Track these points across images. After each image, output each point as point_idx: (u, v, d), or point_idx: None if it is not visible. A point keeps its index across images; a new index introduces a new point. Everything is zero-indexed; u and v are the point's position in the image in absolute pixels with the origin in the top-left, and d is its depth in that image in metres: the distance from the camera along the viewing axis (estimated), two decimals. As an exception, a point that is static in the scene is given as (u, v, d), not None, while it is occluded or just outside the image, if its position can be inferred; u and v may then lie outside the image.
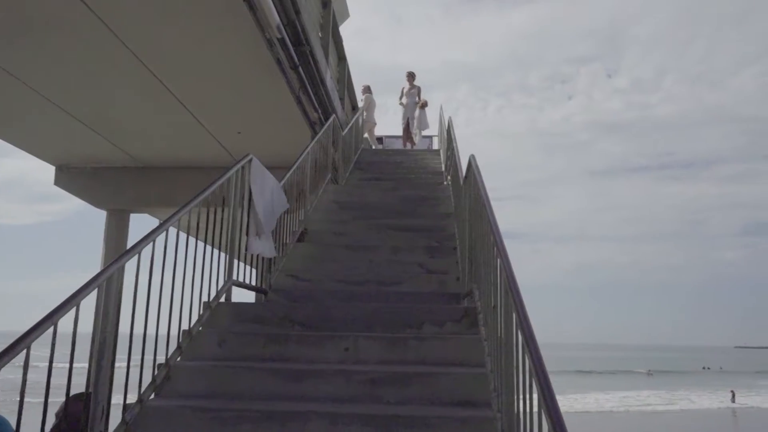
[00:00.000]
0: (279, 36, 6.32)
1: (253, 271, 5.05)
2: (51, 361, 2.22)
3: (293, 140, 9.33)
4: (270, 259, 5.04)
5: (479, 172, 4.02)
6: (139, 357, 2.95)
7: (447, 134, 9.45)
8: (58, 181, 11.17)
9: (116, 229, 11.29)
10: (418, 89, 14.43)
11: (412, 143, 14.11)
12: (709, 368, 69.91)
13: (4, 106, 8.45)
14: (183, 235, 3.65)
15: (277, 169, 8.34)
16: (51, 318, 2.22)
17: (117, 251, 11.23)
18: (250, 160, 4.49)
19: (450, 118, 8.85)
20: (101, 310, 2.56)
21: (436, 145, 14.62)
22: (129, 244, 11.47)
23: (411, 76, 14.75)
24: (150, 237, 3.01)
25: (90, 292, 2.47)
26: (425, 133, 14.94)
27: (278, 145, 9.81)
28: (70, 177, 11.13)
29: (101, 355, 2.54)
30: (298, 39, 7.01)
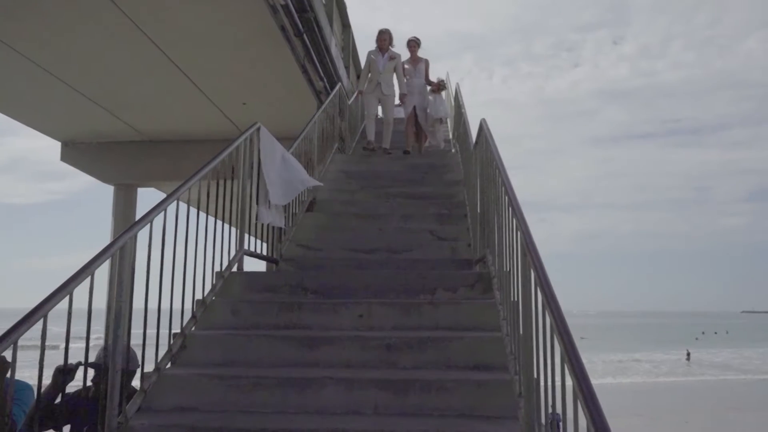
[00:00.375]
0: (282, 2, 6.21)
1: (262, 243, 5.04)
2: (68, 331, 2.22)
3: (299, 110, 9.24)
4: (280, 229, 5.02)
5: (491, 136, 3.96)
6: (155, 328, 2.96)
7: (455, 101, 9.35)
8: (65, 157, 11.15)
9: (124, 204, 11.31)
10: (426, 63, 9.14)
11: (421, 141, 9.23)
12: (703, 333, 69.83)
13: (8, 82, 8.41)
14: (194, 206, 3.63)
15: (283, 139, 8.26)
16: (66, 287, 2.21)
17: (126, 225, 11.14)
18: (258, 129, 4.44)
19: (458, 83, 8.74)
20: (115, 279, 2.55)
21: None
22: (137, 218, 11.53)
23: (414, 44, 9.21)
24: (161, 206, 2.99)
25: (104, 262, 2.46)
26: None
27: (284, 115, 9.73)
28: (77, 153, 11.12)
29: (117, 324, 2.54)
30: (302, 5, 6.89)
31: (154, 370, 2.97)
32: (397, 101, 9.46)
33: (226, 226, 4.07)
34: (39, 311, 2.05)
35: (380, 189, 6.61)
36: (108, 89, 8.88)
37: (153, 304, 2.95)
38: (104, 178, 11.40)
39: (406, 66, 8.90)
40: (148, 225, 2.87)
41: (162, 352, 3.11)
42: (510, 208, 3.04)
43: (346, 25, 10.92)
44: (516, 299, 2.87)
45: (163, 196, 10.45)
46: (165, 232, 3.03)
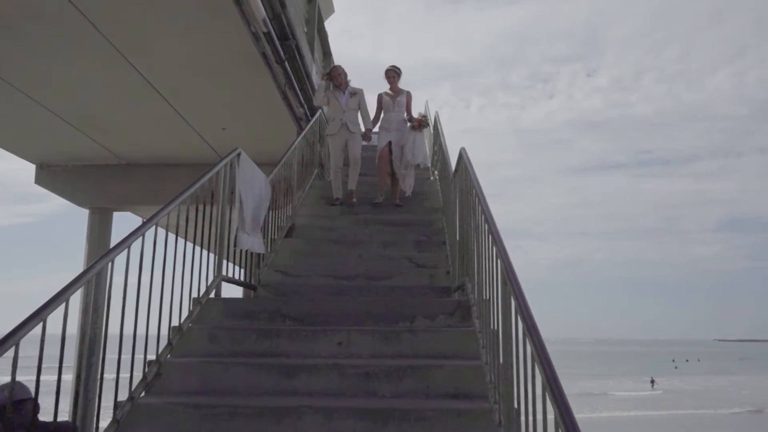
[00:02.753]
0: (265, 30, 6.26)
1: (240, 268, 4.99)
2: (40, 359, 2.16)
3: (279, 136, 9.25)
4: (258, 255, 4.98)
5: (470, 164, 4.00)
6: (129, 355, 2.90)
7: (434, 129, 9.42)
8: (39, 180, 10.98)
9: (99, 228, 11.13)
10: (407, 95, 7.78)
11: (396, 189, 7.43)
12: (674, 360, 70.33)
13: (-18, 102, 8.28)
14: (172, 231, 3.59)
15: (262, 165, 8.28)
16: (40, 314, 2.16)
17: (100, 250, 11.07)
18: (239, 155, 4.43)
19: (437, 112, 8.80)
20: (90, 305, 2.50)
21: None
22: (112, 243, 11.35)
23: (393, 74, 7.86)
24: (139, 231, 2.95)
25: (79, 288, 2.41)
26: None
27: (263, 141, 9.72)
28: (51, 175, 10.95)
29: (91, 352, 2.48)
30: (284, 33, 6.95)
31: (128, 399, 2.89)
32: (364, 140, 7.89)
33: (204, 251, 4.03)
34: (10, 339, 2.00)
35: (360, 215, 6.63)
36: (86, 112, 8.79)
37: (127, 330, 2.89)
38: (79, 202, 11.22)
39: (385, 97, 7.71)
40: (126, 250, 2.82)
41: (136, 381, 3.04)
42: (490, 236, 3.05)
43: (327, 53, 11.01)
44: (495, 328, 2.88)
45: (139, 220, 10.36)
46: (143, 258, 2.99)
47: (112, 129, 9.55)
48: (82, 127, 9.37)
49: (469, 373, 3.21)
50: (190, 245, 3.71)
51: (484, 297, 3.62)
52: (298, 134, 8.92)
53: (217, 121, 9.15)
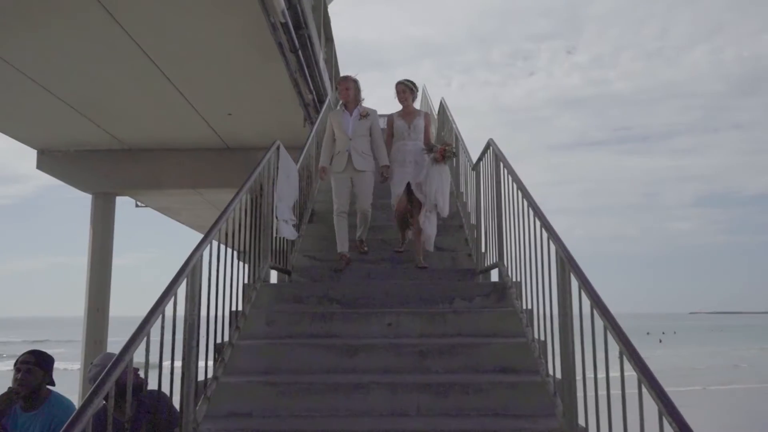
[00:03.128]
0: (283, 20, 6.41)
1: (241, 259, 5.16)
2: (162, 345, 2.41)
3: (284, 121, 9.42)
4: (288, 241, 5.21)
5: (503, 156, 4.28)
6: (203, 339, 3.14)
7: (438, 115, 9.60)
8: (41, 165, 11.01)
9: (102, 212, 11.24)
10: (426, 118, 5.81)
11: (419, 244, 5.35)
12: (648, 333, 72.58)
13: (-16, 88, 8.28)
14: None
15: (265, 149, 8.46)
16: (159, 307, 2.40)
17: (103, 234, 11.20)
18: (278, 147, 4.64)
19: (443, 99, 8.95)
20: (190, 296, 2.73)
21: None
22: (116, 228, 11.38)
23: (405, 89, 5.73)
24: (215, 227, 3.17)
25: (183, 281, 2.65)
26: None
27: (268, 125, 9.88)
28: (53, 161, 10.99)
29: (191, 336, 2.72)
30: (299, 22, 7.11)
31: (212, 378, 3.15)
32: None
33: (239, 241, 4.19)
34: (142, 331, 2.24)
35: (375, 200, 6.88)
36: (89, 96, 8.85)
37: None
38: (82, 187, 11.29)
39: (397, 121, 5.63)
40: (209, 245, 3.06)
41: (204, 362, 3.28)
42: (538, 223, 3.35)
43: (329, 39, 11.16)
44: (529, 307, 3.18)
45: (138, 203, 10.39)
46: (219, 253, 3.23)
47: (116, 114, 9.62)
48: (84, 112, 9.42)
49: (513, 350, 3.51)
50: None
51: (518, 279, 3.93)
52: (305, 119, 9.12)
53: (224, 107, 9.28)
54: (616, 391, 2.31)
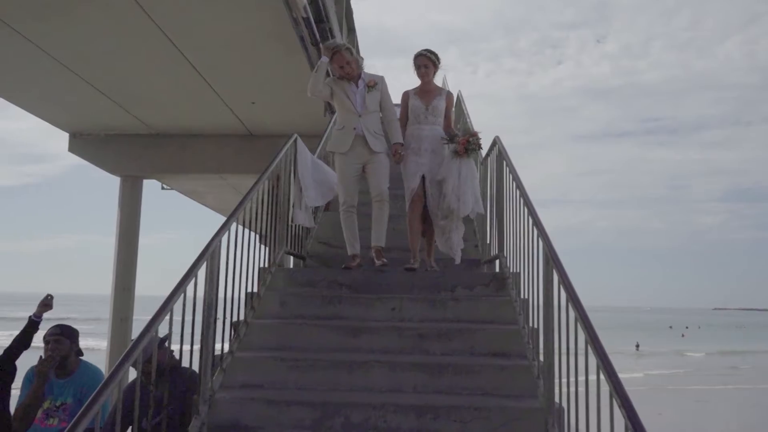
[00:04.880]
0: (305, 15, 6.68)
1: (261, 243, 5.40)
2: (183, 322, 2.73)
3: (305, 110, 9.73)
4: (305, 228, 5.51)
5: (507, 153, 4.52)
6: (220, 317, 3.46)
7: (455, 108, 9.76)
8: (72, 148, 11.48)
9: (130, 195, 11.70)
10: (448, 97, 5.01)
11: (431, 247, 5.00)
12: (671, 327, 72.35)
13: (22, 72, 8.71)
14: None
15: (287, 136, 8.74)
16: (181, 287, 2.71)
17: (131, 216, 11.66)
18: (296, 140, 4.93)
19: (459, 92, 9.16)
20: (209, 277, 3.05)
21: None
22: (143, 210, 11.83)
23: (427, 61, 4.87)
24: (234, 215, 3.48)
25: (203, 264, 2.96)
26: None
27: (290, 115, 10.21)
28: (84, 144, 11.45)
29: (209, 314, 3.04)
30: (320, 16, 7.38)
31: (228, 352, 3.48)
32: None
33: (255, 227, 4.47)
34: (166, 307, 2.56)
35: (391, 191, 7.13)
36: (120, 83, 9.25)
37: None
38: (110, 169, 11.75)
39: (413, 100, 4.85)
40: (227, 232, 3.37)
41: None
42: (531, 220, 3.60)
43: (351, 29, 11.39)
44: (524, 296, 3.44)
45: (164, 186, 10.78)
46: (236, 238, 3.54)
47: (145, 100, 10.02)
48: (115, 98, 9.83)
49: (506, 336, 3.78)
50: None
51: (516, 271, 4.19)
52: (326, 109, 9.41)
53: (248, 96, 9.62)
54: (593, 377, 2.58)
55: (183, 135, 11.32)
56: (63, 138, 11.48)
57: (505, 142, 4.80)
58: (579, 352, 2.63)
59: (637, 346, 43.10)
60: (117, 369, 2.19)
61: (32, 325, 3.87)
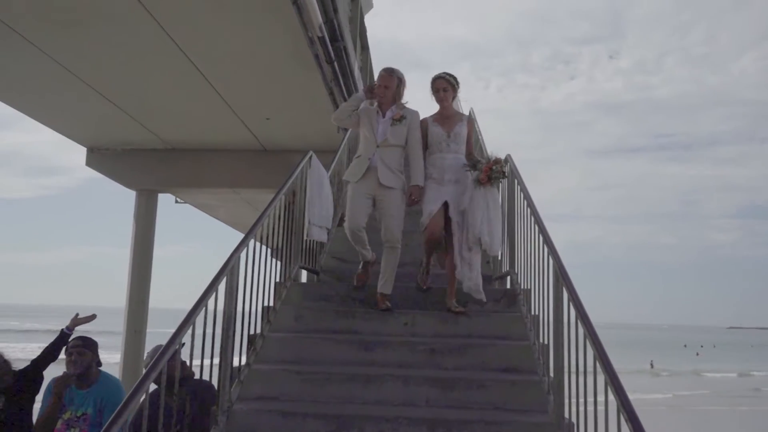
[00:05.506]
0: (320, 35, 6.83)
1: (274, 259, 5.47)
2: (204, 335, 2.83)
3: (319, 128, 9.88)
4: (319, 243, 5.60)
5: (518, 172, 4.61)
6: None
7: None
8: (90, 162, 11.68)
9: (145, 209, 11.86)
10: (469, 122, 4.63)
11: (452, 283, 4.42)
12: (685, 346, 71.48)
13: (41, 87, 8.90)
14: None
15: (300, 152, 8.86)
16: (203, 301, 2.82)
17: (146, 229, 11.82)
18: (311, 157, 5.05)
19: (471, 110, 9.22)
20: (228, 291, 3.15)
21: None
22: (160, 224, 11.95)
23: (445, 84, 4.52)
24: (251, 232, 3.58)
25: (223, 278, 3.06)
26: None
27: (304, 130, 10.36)
28: (101, 158, 11.65)
29: (228, 326, 3.14)
30: (335, 35, 7.52)
31: (245, 365, 3.57)
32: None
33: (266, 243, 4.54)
34: (189, 320, 2.66)
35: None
36: (137, 98, 9.44)
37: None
38: (127, 183, 11.94)
39: (433, 127, 4.50)
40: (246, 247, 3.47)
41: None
42: (541, 237, 3.68)
43: (364, 47, 11.57)
44: (536, 313, 3.51)
45: (178, 199, 10.92)
46: (254, 254, 3.64)
47: (161, 115, 10.21)
48: (132, 113, 10.02)
49: (517, 352, 3.85)
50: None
51: (527, 287, 4.26)
52: (338, 127, 9.53)
53: (262, 111, 9.78)
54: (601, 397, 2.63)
55: (198, 150, 11.50)
56: (77, 151, 11.73)
57: (517, 157, 4.89)
58: (588, 368, 2.69)
59: (652, 364, 42.61)
60: (143, 380, 2.29)
61: (63, 337, 3.99)
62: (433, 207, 4.35)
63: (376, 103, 4.56)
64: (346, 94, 8.65)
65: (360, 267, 4.70)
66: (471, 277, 4.25)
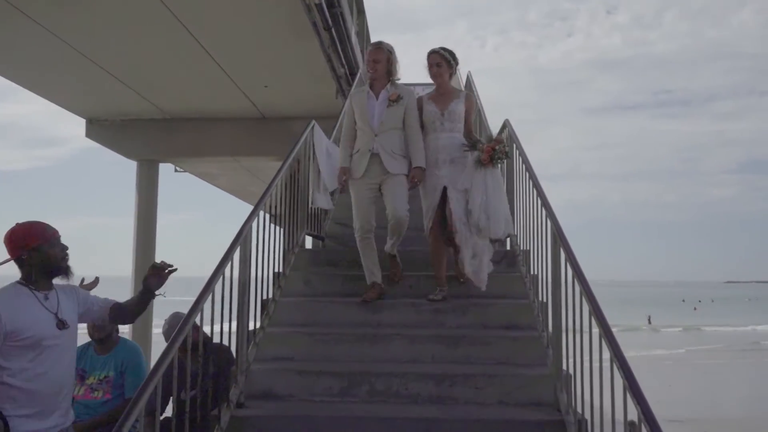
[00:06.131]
0: (317, 1, 6.86)
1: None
2: (222, 300, 3.00)
3: (318, 93, 9.94)
4: (323, 210, 5.75)
5: (517, 137, 4.73)
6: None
7: (465, 88, 9.86)
8: (90, 134, 11.76)
9: (147, 179, 11.99)
10: (468, 100, 4.44)
11: (459, 261, 4.32)
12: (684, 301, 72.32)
13: (39, 59, 8.92)
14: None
15: (299, 119, 8.94)
16: (220, 269, 2.98)
17: (148, 198, 11.97)
18: (313, 126, 5.16)
19: (469, 73, 9.16)
20: (242, 259, 3.31)
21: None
22: (159, 193, 12.09)
23: (439, 59, 4.30)
24: (261, 202, 3.72)
25: (237, 247, 3.22)
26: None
27: (302, 97, 10.42)
28: (101, 129, 11.72)
29: (243, 292, 3.32)
30: (331, 1, 7.53)
31: (260, 328, 3.76)
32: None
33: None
34: (209, 287, 2.82)
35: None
36: (135, 69, 9.47)
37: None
38: (127, 154, 12.03)
39: (428, 105, 4.32)
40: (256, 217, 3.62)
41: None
42: (539, 201, 3.83)
43: (360, 11, 11.52)
44: (543, 274, 3.68)
45: (177, 168, 11.02)
46: (265, 222, 3.80)
47: (159, 85, 10.26)
48: (131, 84, 10.06)
49: (518, 309, 4.04)
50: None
51: (526, 248, 4.43)
52: (338, 91, 9.60)
53: (260, 80, 9.82)
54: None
55: (197, 119, 11.56)
56: (73, 121, 11.73)
57: (515, 117, 4.97)
58: (585, 324, 2.87)
59: (649, 319, 43.26)
60: (171, 345, 2.46)
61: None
62: (432, 200, 4.23)
63: (367, 84, 4.37)
64: (343, 60, 8.70)
65: (368, 288, 4.20)
66: (472, 263, 4.13)
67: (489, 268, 4.18)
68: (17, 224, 2.71)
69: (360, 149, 4.27)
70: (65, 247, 2.77)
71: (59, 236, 2.75)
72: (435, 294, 4.17)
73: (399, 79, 4.35)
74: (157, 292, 3.07)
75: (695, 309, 60.12)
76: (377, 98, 4.25)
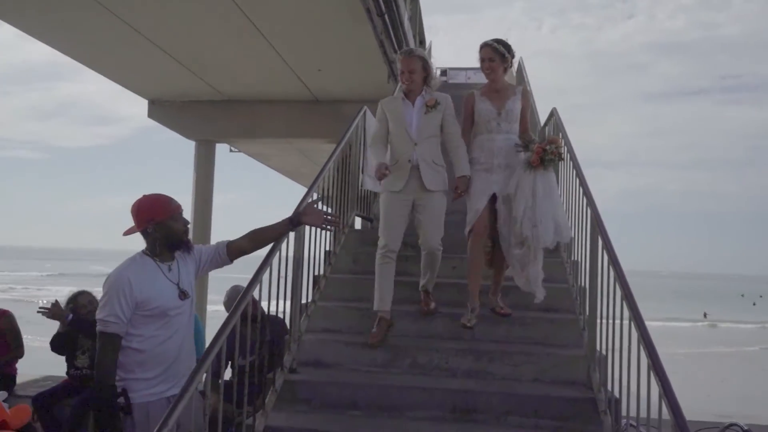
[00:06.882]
0: (371, -12, 7.03)
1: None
2: (270, 287, 3.27)
3: (370, 78, 10.15)
4: (373, 192, 5.98)
5: (563, 125, 4.84)
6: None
7: (516, 74, 9.88)
8: (152, 114, 12.30)
9: (204, 158, 12.49)
10: (523, 95, 4.05)
11: (498, 280, 4.18)
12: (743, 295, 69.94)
13: (106, 43, 9.40)
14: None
15: (351, 102, 9.12)
16: (276, 246, 3.24)
17: (206, 177, 12.46)
18: (365, 111, 5.38)
19: (521, 59, 9.18)
20: (296, 237, 3.58)
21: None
22: (216, 171, 12.53)
23: (492, 53, 3.89)
24: (315, 183, 3.97)
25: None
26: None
27: (354, 80, 10.64)
28: (162, 110, 12.24)
29: (297, 266, 3.59)
30: (385, -12, 7.69)
31: (311, 301, 4.04)
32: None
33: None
34: (257, 278, 3.07)
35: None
36: (194, 52, 9.86)
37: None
38: (186, 134, 12.54)
39: (480, 103, 3.96)
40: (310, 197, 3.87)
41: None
42: (581, 189, 3.95)
43: (414, -1, 11.62)
44: (582, 260, 3.81)
45: (232, 148, 11.44)
46: (320, 203, 4.04)
47: (217, 68, 10.64)
48: (190, 66, 10.47)
49: (556, 293, 4.17)
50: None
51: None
52: (389, 76, 9.77)
53: (314, 63, 10.08)
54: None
55: (253, 101, 11.93)
56: (131, 100, 12.30)
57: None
58: (617, 308, 3.02)
59: (705, 315, 41.90)
60: (231, 315, 2.74)
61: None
62: (479, 203, 3.86)
63: (399, 91, 4.09)
64: (396, 46, 8.85)
65: (374, 324, 3.81)
66: (522, 275, 3.85)
67: (540, 276, 3.83)
68: (144, 196, 2.77)
69: (398, 160, 3.87)
70: (187, 222, 2.82)
71: (182, 210, 2.81)
72: (468, 319, 3.87)
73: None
74: None
75: (754, 304, 57.96)
76: (413, 105, 3.90)
